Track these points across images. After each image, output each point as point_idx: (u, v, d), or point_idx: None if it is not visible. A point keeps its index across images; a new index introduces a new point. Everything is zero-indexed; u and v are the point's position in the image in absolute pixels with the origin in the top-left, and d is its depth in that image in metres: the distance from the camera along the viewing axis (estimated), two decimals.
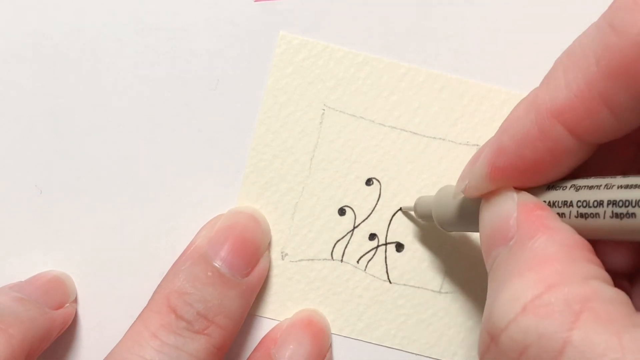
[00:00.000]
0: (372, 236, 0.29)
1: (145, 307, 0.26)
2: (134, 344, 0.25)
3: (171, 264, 0.27)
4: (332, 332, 0.29)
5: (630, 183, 0.18)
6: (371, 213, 0.29)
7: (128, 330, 0.25)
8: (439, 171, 0.29)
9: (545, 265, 0.17)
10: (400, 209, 0.29)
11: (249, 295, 0.27)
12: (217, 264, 0.26)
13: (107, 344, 0.26)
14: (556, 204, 0.20)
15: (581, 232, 0.19)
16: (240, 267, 0.26)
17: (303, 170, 0.29)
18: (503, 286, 0.18)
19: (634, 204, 0.17)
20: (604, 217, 0.18)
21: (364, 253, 0.29)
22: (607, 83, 0.18)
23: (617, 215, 0.18)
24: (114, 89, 0.29)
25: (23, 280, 0.28)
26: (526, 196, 0.20)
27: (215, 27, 0.29)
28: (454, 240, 0.29)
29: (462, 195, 0.22)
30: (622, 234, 0.18)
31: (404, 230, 0.29)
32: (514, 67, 0.29)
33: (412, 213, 0.29)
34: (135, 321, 0.25)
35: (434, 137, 0.29)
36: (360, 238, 0.29)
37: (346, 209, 0.29)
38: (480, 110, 0.29)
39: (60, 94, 0.29)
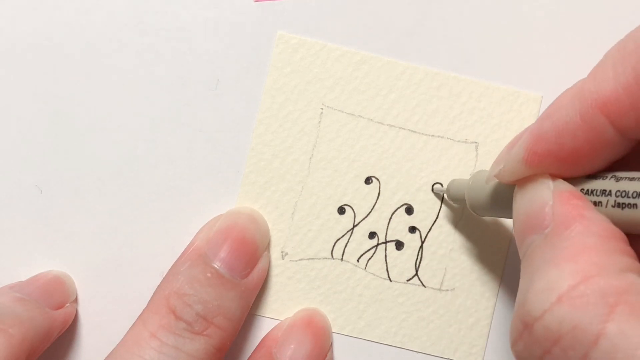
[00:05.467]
0: (372, 235, 0.29)
1: (145, 308, 0.26)
2: (133, 345, 0.24)
3: (171, 264, 0.27)
4: (333, 330, 0.29)
5: None
6: (371, 211, 0.29)
7: (128, 331, 0.25)
8: (438, 169, 0.29)
9: (582, 256, 0.17)
10: (432, 188, 0.29)
11: (248, 296, 0.27)
12: (216, 265, 0.26)
13: (107, 344, 0.26)
14: (594, 192, 0.20)
15: (617, 222, 0.19)
16: (239, 268, 0.26)
17: (302, 170, 0.29)
18: (538, 275, 0.18)
19: None
20: None
21: (364, 252, 0.29)
22: None
23: None
24: (114, 89, 0.29)
25: (23, 280, 0.28)
26: (563, 184, 0.20)
27: (215, 27, 0.29)
28: (454, 237, 0.29)
29: (495, 180, 0.22)
30: None
31: (404, 229, 0.29)
32: (512, 65, 0.29)
33: (444, 195, 0.29)
34: (135, 322, 0.25)
35: (433, 135, 0.29)
36: (360, 237, 0.29)
37: (346, 207, 0.29)
38: (478, 107, 0.29)
39: (60, 94, 0.29)
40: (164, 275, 0.27)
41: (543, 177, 0.20)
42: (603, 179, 0.20)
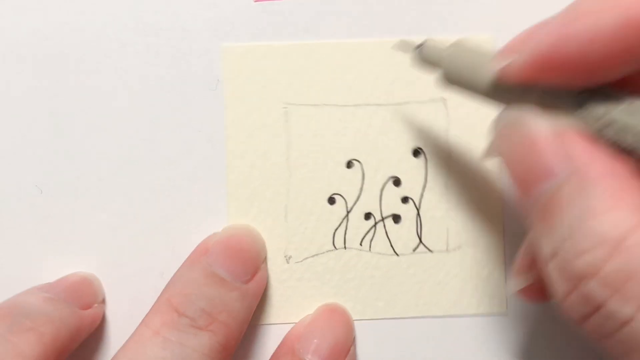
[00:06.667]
0: (368, 216, 0.29)
1: (146, 314, 0.25)
2: (135, 344, 0.24)
3: (171, 264, 0.27)
4: (356, 318, 0.29)
5: None
6: (360, 194, 0.29)
7: (131, 335, 0.25)
8: (413, 135, 0.29)
9: (623, 201, 0.17)
10: (397, 44, 0.27)
11: (250, 301, 0.27)
12: (217, 270, 0.26)
13: (106, 344, 0.26)
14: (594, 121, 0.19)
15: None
16: (240, 274, 0.26)
17: (283, 172, 0.29)
18: (581, 227, 0.17)
19: None
20: None
21: (364, 234, 0.29)
22: None
23: None
24: (114, 89, 0.29)
25: (51, 281, 0.28)
26: (561, 120, 0.19)
27: (215, 27, 0.29)
28: (448, 197, 0.29)
29: (493, 65, 0.21)
30: None
31: (397, 201, 0.29)
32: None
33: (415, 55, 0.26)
34: (137, 326, 0.25)
35: (399, 103, 0.29)
36: (356, 221, 0.29)
37: (335, 196, 0.29)
38: None
39: (60, 94, 0.29)
40: (163, 276, 0.27)
41: (536, 114, 0.19)
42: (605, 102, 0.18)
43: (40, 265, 0.29)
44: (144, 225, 0.29)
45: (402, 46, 0.27)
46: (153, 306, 0.25)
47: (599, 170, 0.17)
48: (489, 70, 0.21)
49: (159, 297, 0.26)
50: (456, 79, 0.23)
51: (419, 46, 0.25)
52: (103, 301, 0.28)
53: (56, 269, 0.29)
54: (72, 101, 0.29)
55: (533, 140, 0.19)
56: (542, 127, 0.19)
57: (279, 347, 0.28)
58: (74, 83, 0.29)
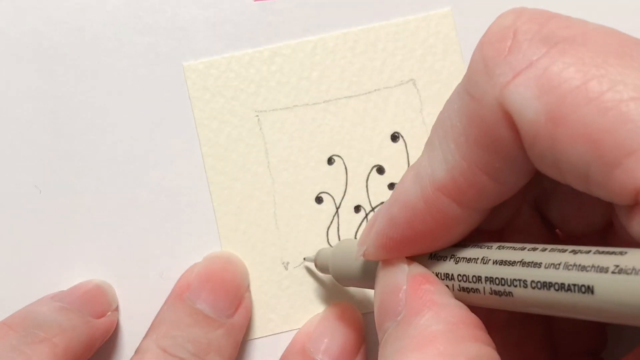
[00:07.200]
0: (357, 208, 0.29)
1: (133, 356, 0.25)
2: None
3: (171, 264, 0.27)
4: (365, 311, 0.28)
5: (505, 258, 0.18)
6: (346, 188, 0.29)
7: None
8: (389, 120, 0.29)
9: (428, 346, 0.17)
10: (304, 259, 0.29)
11: (236, 334, 0.26)
12: (200, 306, 0.26)
13: (104, 345, 0.26)
14: (439, 275, 0.19)
15: (468, 304, 0.19)
16: (223, 308, 0.26)
17: (266, 180, 0.29)
18: None
19: (509, 283, 0.17)
20: (484, 293, 0.18)
21: (357, 227, 0.29)
22: (478, 152, 0.18)
23: (495, 293, 0.18)
24: (113, 89, 0.29)
25: (64, 289, 0.28)
26: (417, 268, 0.20)
27: (215, 27, 0.29)
28: None
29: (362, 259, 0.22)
30: (505, 308, 0.18)
31: (384, 190, 0.29)
32: None
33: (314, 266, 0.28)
34: None
35: (369, 92, 0.29)
36: (347, 215, 0.29)
37: (322, 195, 0.29)
38: (398, 46, 0.29)
39: (60, 94, 0.29)
40: (163, 276, 0.27)
41: (399, 261, 0.20)
42: (444, 260, 0.19)
43: (39, 265, 0.28)
44: (144, 225, 0.28)
45: (308, 265, 0.28)
46: (139, 347, 0.25)
47: (425, 314, 0.18)
48: (356, 263, 0.23)
49: (143, 340, 0.25)
50: (340, 278, 0.25)
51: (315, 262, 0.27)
52: (117, 309, 0.28)
53: (55, 269, 0.28)
54: (72, 101, 0.29)
55: (391, 286, 0.20)
56: (400, 274, 0.20)
57: (288, 346, 0.27)
58: (74, 83, 0.29)
